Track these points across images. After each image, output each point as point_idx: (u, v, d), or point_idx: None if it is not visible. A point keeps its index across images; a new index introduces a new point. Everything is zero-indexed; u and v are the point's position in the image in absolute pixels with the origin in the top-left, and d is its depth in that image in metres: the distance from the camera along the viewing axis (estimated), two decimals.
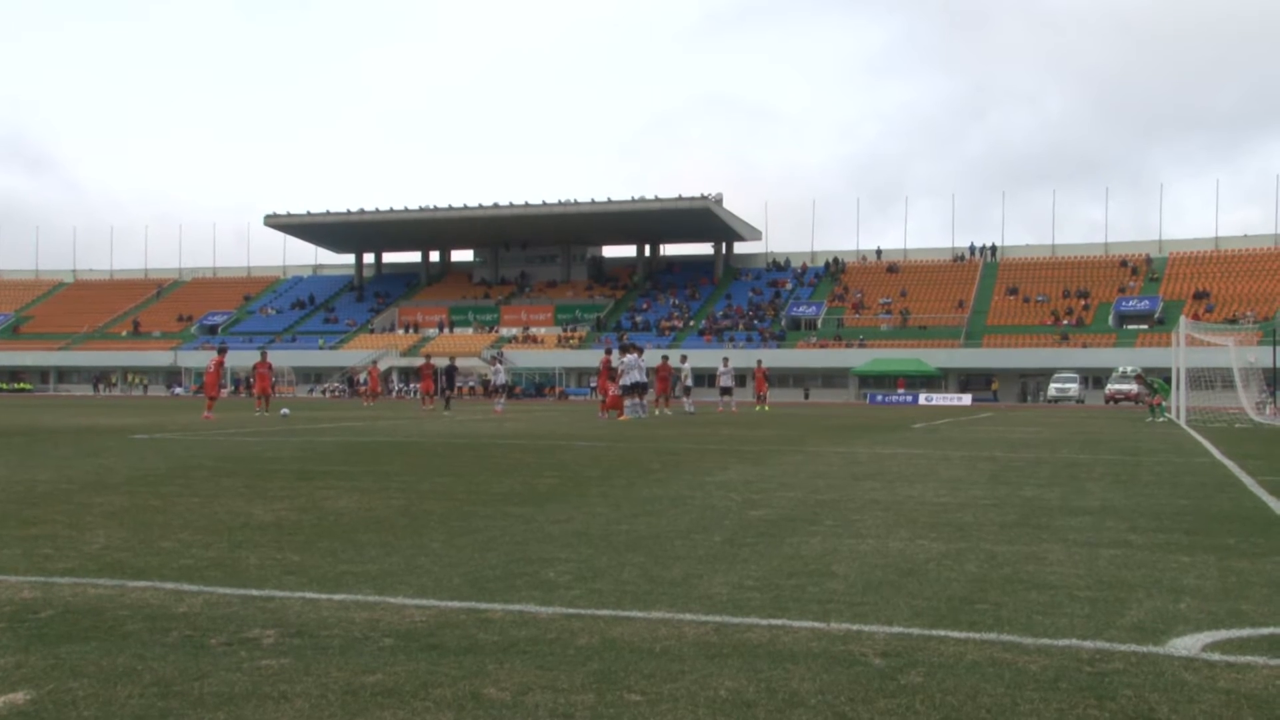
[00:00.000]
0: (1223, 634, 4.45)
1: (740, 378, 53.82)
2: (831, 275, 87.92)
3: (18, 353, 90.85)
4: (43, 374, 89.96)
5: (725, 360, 40.84)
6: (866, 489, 10.18)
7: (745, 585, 5.41)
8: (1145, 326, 72.92)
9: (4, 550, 6.37)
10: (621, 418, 28.09)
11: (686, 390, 36.37)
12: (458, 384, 53.31)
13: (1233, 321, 60.75)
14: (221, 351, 32.23)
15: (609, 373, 30.65)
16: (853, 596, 5.15)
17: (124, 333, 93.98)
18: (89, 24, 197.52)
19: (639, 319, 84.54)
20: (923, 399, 68.07)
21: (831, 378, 75.53)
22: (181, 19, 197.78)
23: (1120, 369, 65.46)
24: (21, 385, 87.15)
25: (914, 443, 18.49)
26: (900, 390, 71.02)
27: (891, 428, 25.04)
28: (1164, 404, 32.61)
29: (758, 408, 41.21)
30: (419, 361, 63.23)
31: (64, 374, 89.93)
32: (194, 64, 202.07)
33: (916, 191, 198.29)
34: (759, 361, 44.39)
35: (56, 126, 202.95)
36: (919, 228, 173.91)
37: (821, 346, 76.84)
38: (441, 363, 42.05)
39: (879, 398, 69.38)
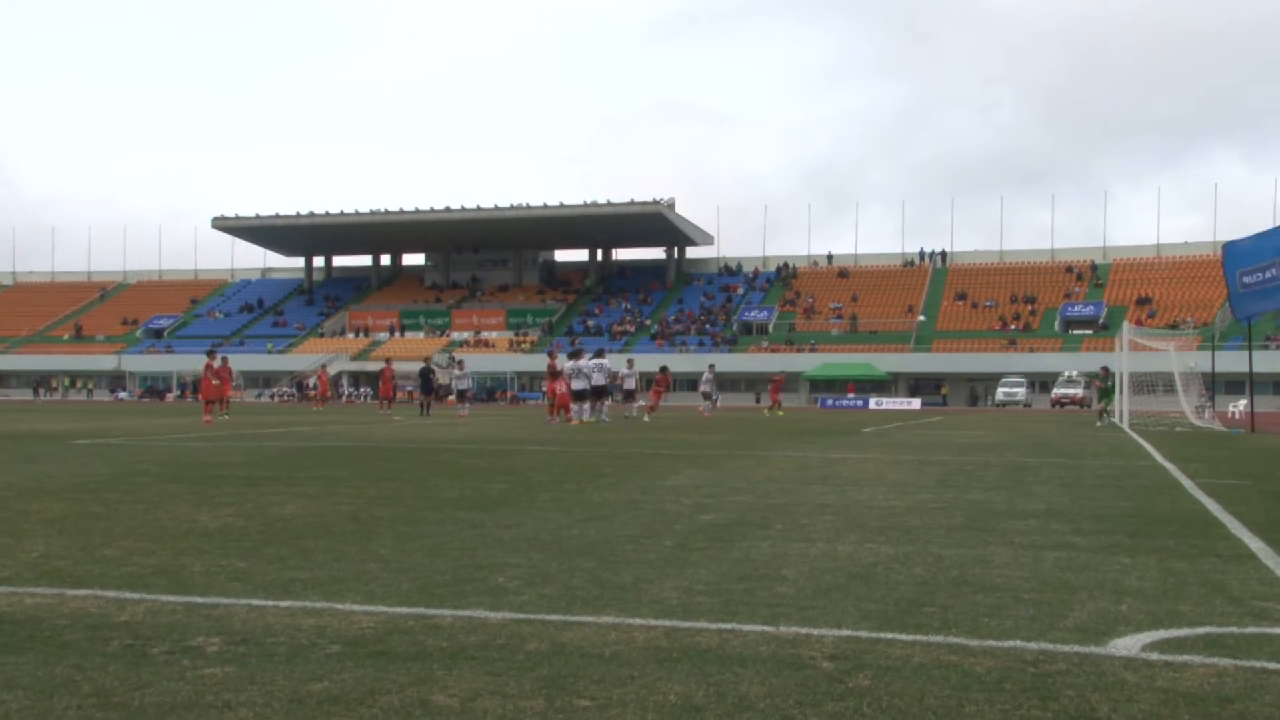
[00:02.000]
0: (1161, 634, 4.54)
1: (721, 383, 53.99)
2: (783, 280, 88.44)
3: None
4: None
5: (711, 366, 42.54)
6: (817, 493, 10.25)
7: (695, 590, 5.42)
8: (1090, 331, 74.14)
9: None
10: (571, 422, 28.04)
11: (629, 395, 35.80)
12: (409, 388, 52.99)
13: (1174, 327, 61.91)
14: (210, 354, 31.08)
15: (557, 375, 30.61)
16: (802, 600, 5.18)
17: (65, 336, 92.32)
18: (32, 26, 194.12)
19: (591, 323, 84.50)
20: (873, 403, 68.67)
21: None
22: (126, 22, 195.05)
23: (1066, 373, 66.51)
24: None
25: (864, 447, 18.64)
26: (850, 395, 71.58)
27: (842, 432, 25.23)
28: (1109, 408, 33.10)
29: (766, 412, 43.06)
30: (377, 365, 62.61)
31: (2, 378, 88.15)
32: (138, 65, 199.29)
33: (868, 197, 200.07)
34: (780, 373, 46.23)
35: None
36: (870, 233, 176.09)
37: (773, 351, 77.25)
38: (412, 366, 41.64)
39: (830, 402, 69.88)
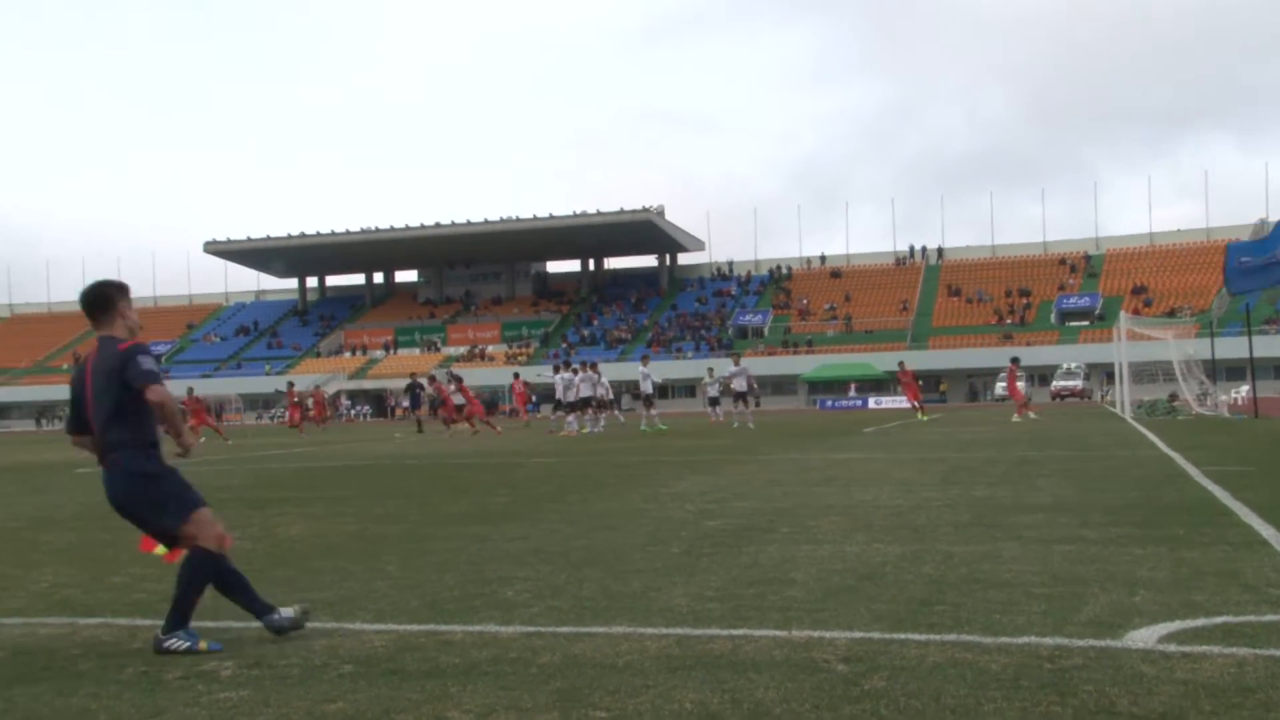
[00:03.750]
0: (1178, 625, 4.52)
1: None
2: (776, 283, 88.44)
3: None
4: None
5: (710, 371, 37.97)
6: (821, 495, 10.23)
7: (705, 596, 5.40)
8: (1087, 323, 74.13)
9: None
10: (457, 426, 29.31)
11: (648, 400, 34.21)
12: (404, 404, 53.01)
13: (1171, 315, 61.96)
14: (189, 391, 31.97)
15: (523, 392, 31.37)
16: (812, 603, 5.16)
17: (65, 365, 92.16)
18: (19, 51, 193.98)
19: (586, 333, 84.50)
20: (872, 402, 68.62)
21: (780, 385, 75.87)
22: (117, 47, 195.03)
23: (1065, 365, 66.49)
24: None
25: (866, 447, 18.62)
26: (849, 394, 71.56)
27: (843, 433, 25.21)
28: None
29: (921, 416, 33.54)
30: (375, 385, 62.68)
31: (4, 410, 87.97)
32: (123, 89, 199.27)
33: (857, 196, 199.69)
34: (900, 363, 36.20)
35: None
36: (861, 232, 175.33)
37: (769, 354, 77.21)
38: (398, 384, 41.75)
39: (829, 403, 69.85)
